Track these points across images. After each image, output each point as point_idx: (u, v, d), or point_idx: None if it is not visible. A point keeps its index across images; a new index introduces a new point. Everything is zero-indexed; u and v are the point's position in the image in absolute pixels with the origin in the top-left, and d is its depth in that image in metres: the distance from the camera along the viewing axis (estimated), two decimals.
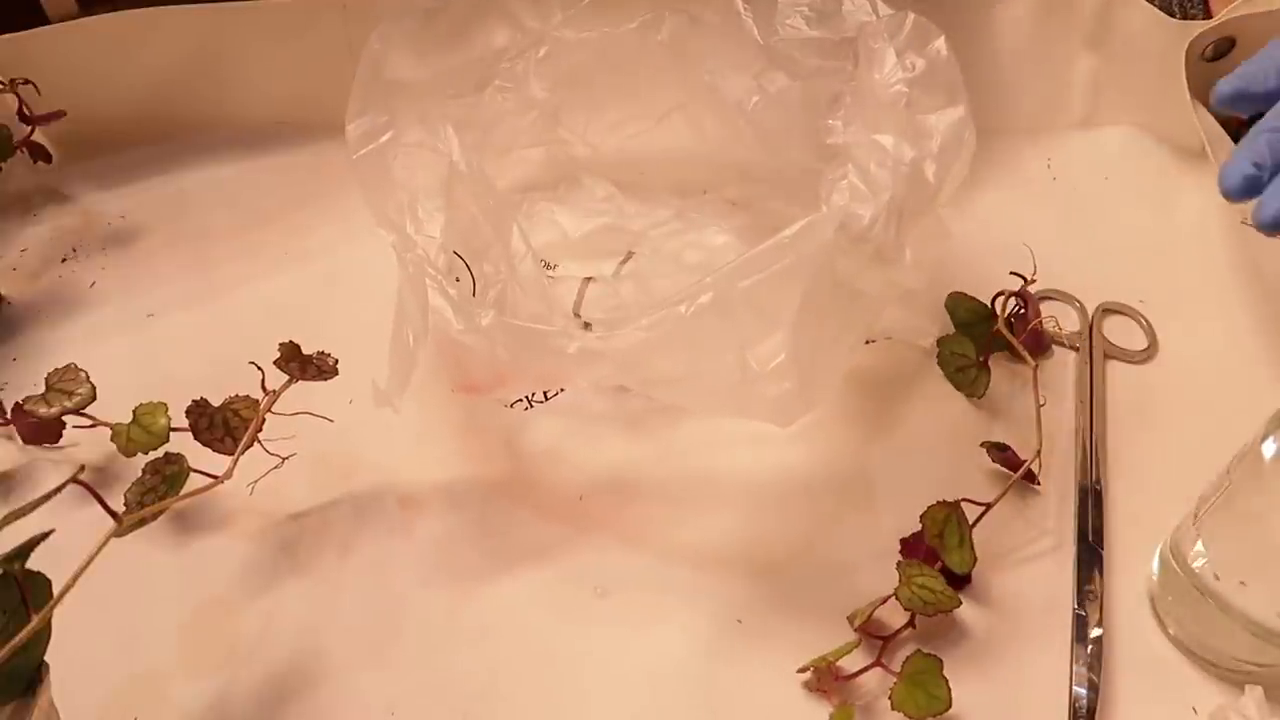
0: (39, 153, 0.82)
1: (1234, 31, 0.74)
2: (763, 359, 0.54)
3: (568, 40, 0.71)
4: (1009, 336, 0.67)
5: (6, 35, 0.80)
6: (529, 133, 0.76)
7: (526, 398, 0.68)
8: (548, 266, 0.74)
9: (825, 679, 0.54)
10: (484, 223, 0.61)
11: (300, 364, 0.59)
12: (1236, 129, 0.78)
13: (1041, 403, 0.64)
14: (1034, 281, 0.67)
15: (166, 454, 0.58)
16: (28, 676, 0.45)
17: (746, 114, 0.71)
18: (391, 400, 0.58)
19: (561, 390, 0.68)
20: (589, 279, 0.73)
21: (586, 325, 0.69)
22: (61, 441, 0.65)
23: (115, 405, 0.61)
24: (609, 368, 0.55)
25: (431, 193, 0.63)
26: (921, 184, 0.57)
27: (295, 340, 0.59)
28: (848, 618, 0.57)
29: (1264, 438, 0.49)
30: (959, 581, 0.58)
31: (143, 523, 0.54)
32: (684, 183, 0.80)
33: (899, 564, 0.57)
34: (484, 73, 0.71)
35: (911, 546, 0.59)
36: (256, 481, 0.60)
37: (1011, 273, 0.67)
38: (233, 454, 0.57)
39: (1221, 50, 0.76)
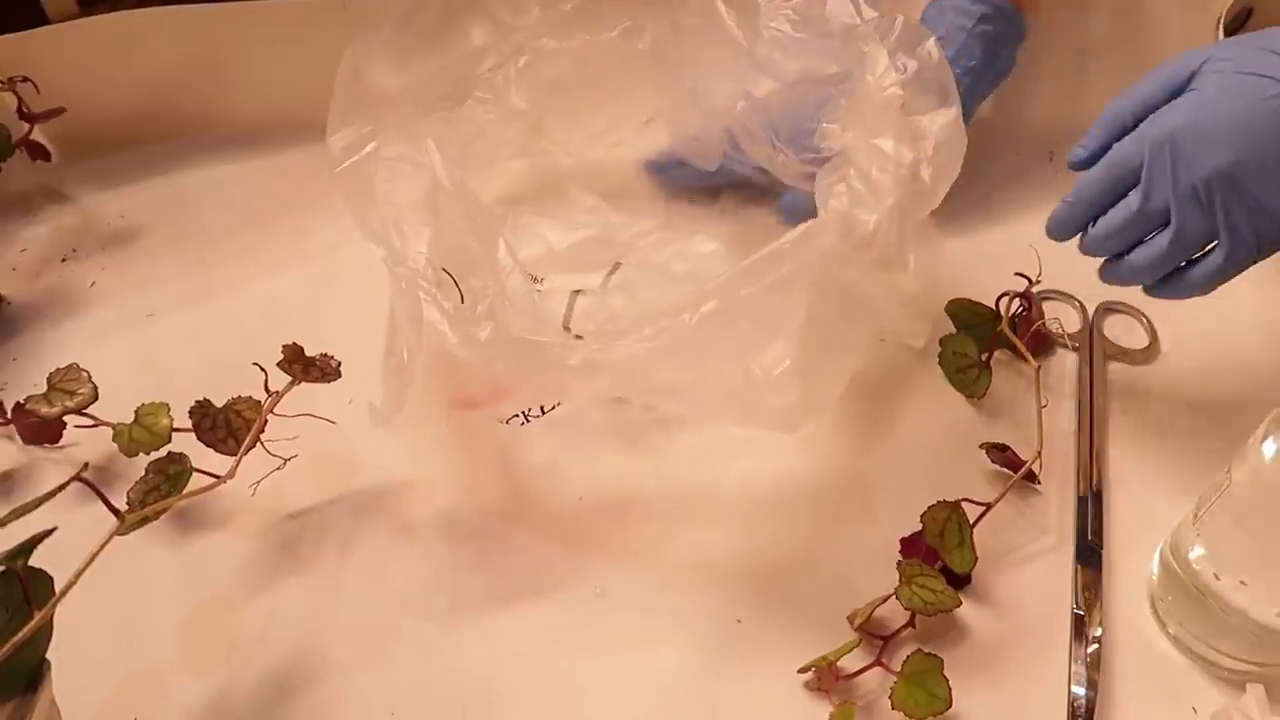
0: (38, 151, 0.82)
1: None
2: (767, 367, 0.54)
3: (548, 49, 0.71)
4: (1013, 337, 0.67)
5: (6, 35, 0.80)
6: (511, 144, 0.76)
7: (523, 413, 0.67)
8: (535, 280, 0.73)
9: (826, 678, 0.54)
10: (470, 238, 0.61)
11: (303, 366, 0.59)
12: None
13: (1043, 403, 0.64)
14: (1038, 282, 0.67)
15: (170, 453, 0.58)
16: (29, 674, 0.45)
17: (733, 119, 0.70)
18: (389, 420, 0.58)
19: (557, 405, 0.68)
20: (577, 292, 0.73)
21: (578, 338, 0.69)
22: (62, 441, 0.65)
23: (115, 405, 0.61)
24: (611, 379, 0.55)
25: (416, 207, 0.62)
26: (919, 187, 0.57)
27: (294, 340, 0.59)
28: (848, 617, 0.57)
29: (1264, 438, 0.49)
30: (959, 581, 0.58)
31: (145, 521, 0.54)
32: (670, 190, 0.80)
33: (899, 564, 0.57)
34: (464, 78, 0.70)
35: (911, 546, 0.59)
36: (259, 482, 0.60)
37: (1016, 274, 0.67)
38: (235, 454, 0.57)
39: (1241, 22, 0.75)
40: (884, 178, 0.56)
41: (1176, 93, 0.55)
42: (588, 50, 0.71)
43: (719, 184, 0.79)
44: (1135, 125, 0.56)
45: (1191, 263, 0.57)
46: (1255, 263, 0.55)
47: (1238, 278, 0.55)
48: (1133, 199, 0.55)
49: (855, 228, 0.54)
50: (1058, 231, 0.60)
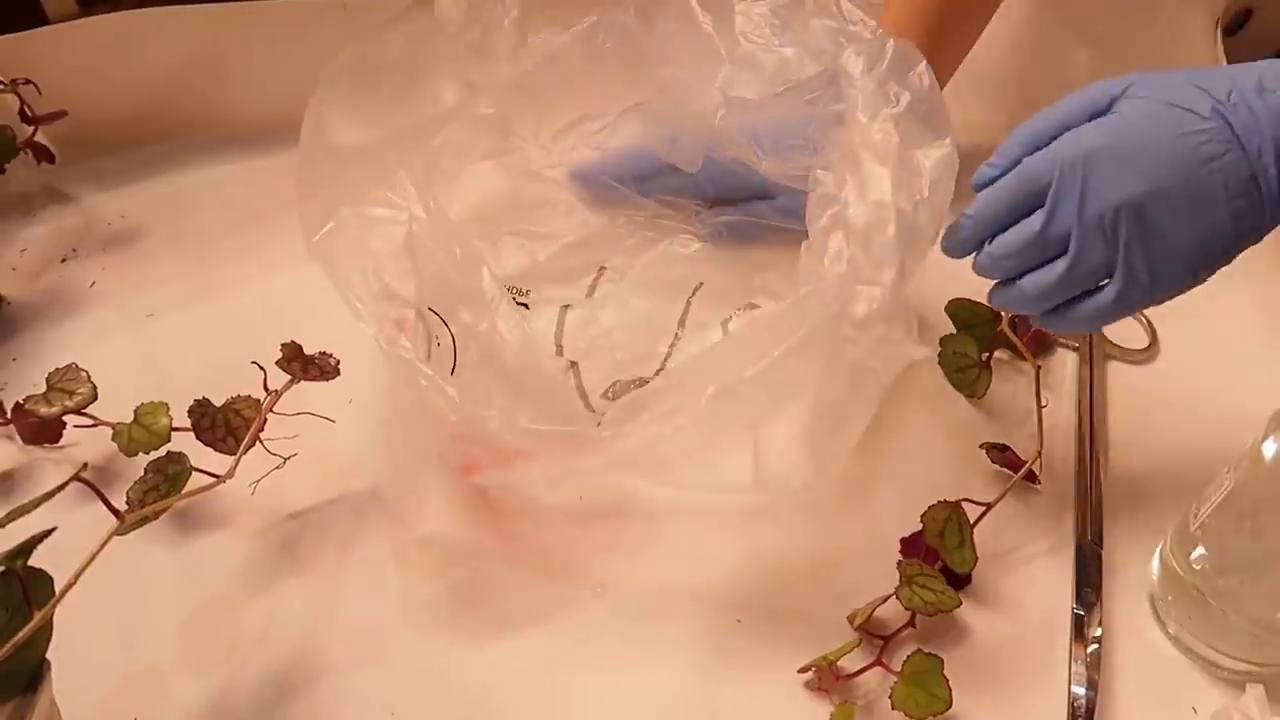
0: (42, 153, 0.81)
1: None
2: (775, 442, 0.54)
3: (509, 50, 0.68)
4: (1013, 337, 0.67)
5: (7, 35, 0.80)
6: (479, 149, 0.74)
7: None
8: (520, 293, 0.73)
9: (826, 678, 0.54)
10: (453, 271, 0.60)
11: (302, 364, 0.59)
12: None
13: (1043, 404, 0.64)
14: None
15: (169, 453, 0.58)
16: (29, 674, 0.45)
17: (713, 124, 0.67)
18: None
19: None
20: (566, 307, 0.73)
21: (573, 364, 0.69)
22: (61, 441, 0.65)
23: (115, 405, 0.61)
24: (623, 459, 0.54)
25: (396, 256, 0.60)
26: (917, 236, 0.54)
27: (294, 340, 0.59)
28: (848, 617, 0.57)
29: (1264, 438, 0.49)
30: (959, 581, 0.58)
31: (144, 521, 0.54)
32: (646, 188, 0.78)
33: (899, 564, 0.57)
34: (429, 130, 0.68)
35: (911, 546, 0.59)
36: (258, 481, 0.60)
37: None
38: (234, 453, 0.57)
39: (1241, 22, 0.74)
40: (886, 245, 0.53)
41: (1097, 115, 0.52)
42: (551, 48, 0.69)
43: (680, 186, 0.77)
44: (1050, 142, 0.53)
45: (1085, 294, 0.53)
46: (1145, 306, 0.52)
47: (1238, 276, 0.54)
48: (1035, 220, 0.52)
49: (856, 304, 0.52)
50: (954, 248, 0.56)
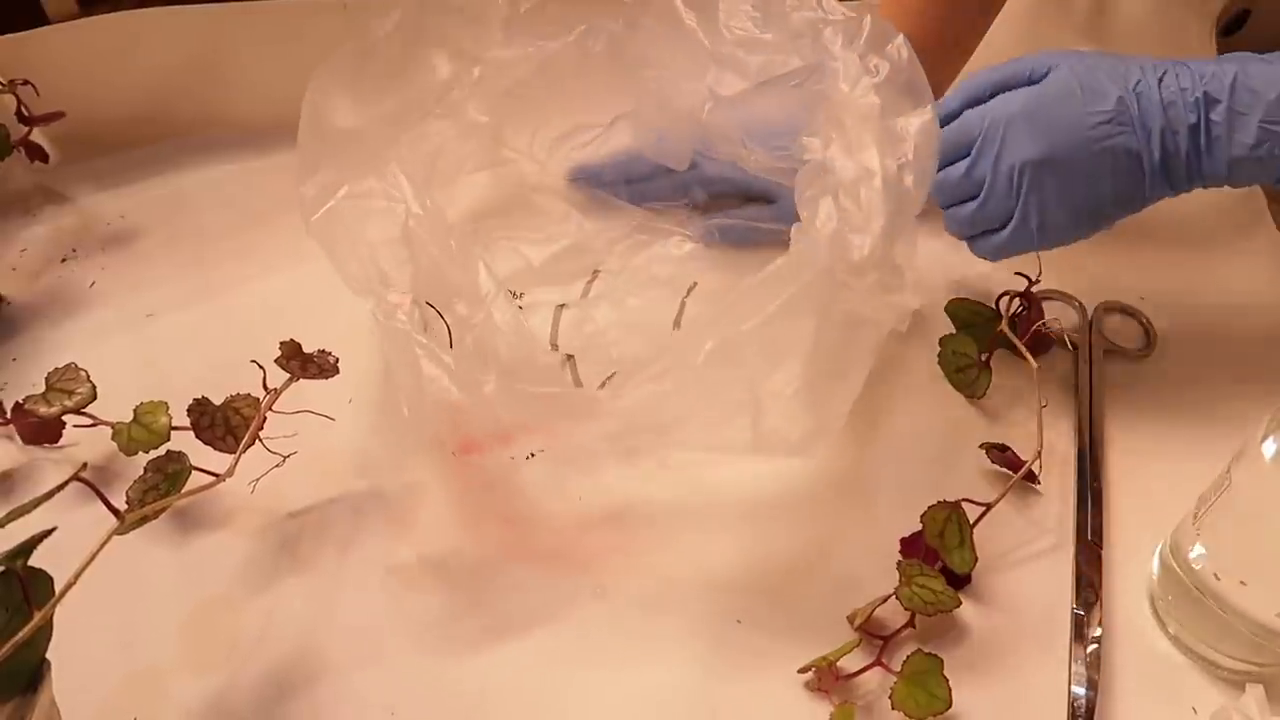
0: (36, 152, 0.81)
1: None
2: (775, 397, 0.53)
3: (502, 59, 0.70)
4: (1013, 337, 0.67)
5: (6, 35, 0.80)
6: (473, 157, 0.75)
7: (530, 454, 0.66)
8: (515, 295, 0.73)
9: (826, 678, 0.54)
10: (449, 265, 0.60)
11: (301, 362, 0.59)
12: None
13: (1043, 403, 0.64)
14: (1038, 282, 0.67)
15: (169, 452, 0.58)
16: (29, 673, 0.45)
17: (702, 118, 0.69)
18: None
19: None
20: (561, 306, 0.73)
21: (569, 357, 0.69)
22: (61, 441, 0.65)
23: (115, 404, 0.61)
24: (621, 423, 0.54)
25: (393, 244, 0.62)
26: (904, 196, 0.56)
27: (293, 338, 0.59)
28: (848, 617, 0.57)
29: (1264, 438, 0.49)
30: (959, 581, 0.58)
31: (144, 520, 0.54)
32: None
33: (899, 564, 0.57)
34: (427, 106, 0.69)
35: (911, 546, 0.59)
36: (258, 480, 0.60)
37: (1016, 273, 0.67)
38: (234, 452, 0.57)
39: (1239, 22, 0.75)
40: (874, 196, 0.55)
41: (1033, 81, 0.60)
42: (542, 56, 0.70)
43: (676, 185, 0.79)
44: (990, 98, 0.61)
45: (991, 231, 0.62)
46: (1034, 249, 0.63)
47: (1239, 277, 0.55)
48: (961, 165, 0.61)
49: (849, 252, 0.53)
50: None
